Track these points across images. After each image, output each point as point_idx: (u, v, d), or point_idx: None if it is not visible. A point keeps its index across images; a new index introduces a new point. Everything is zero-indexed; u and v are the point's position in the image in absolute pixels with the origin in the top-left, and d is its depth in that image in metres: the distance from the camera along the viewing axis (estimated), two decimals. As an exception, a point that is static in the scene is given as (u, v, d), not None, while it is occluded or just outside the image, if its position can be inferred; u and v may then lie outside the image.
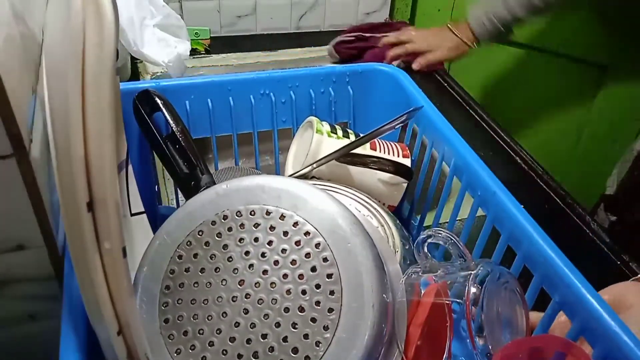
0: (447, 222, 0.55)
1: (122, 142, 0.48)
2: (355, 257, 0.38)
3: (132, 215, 0.49)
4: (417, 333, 0.40)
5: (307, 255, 0.39)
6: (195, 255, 0.40)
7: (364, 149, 0.58)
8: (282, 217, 0.40)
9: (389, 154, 0.59)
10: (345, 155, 0.55)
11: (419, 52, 1.00)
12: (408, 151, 0.60)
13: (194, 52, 1.02)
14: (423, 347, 0.40)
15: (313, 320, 0.37)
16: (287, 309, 0.37)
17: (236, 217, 0.41)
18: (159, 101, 0.52)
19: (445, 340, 0.40)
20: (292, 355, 0.36)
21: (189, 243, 0.41)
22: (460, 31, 0.99)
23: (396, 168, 0.57)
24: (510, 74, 1.24)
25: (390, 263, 0.44)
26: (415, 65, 1.00)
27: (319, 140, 0.57)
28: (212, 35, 1.06)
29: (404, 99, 0.61)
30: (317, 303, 0.37)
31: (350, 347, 0.36)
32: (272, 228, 0.40)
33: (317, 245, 0.39)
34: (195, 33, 1.03)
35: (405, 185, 0.58)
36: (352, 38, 1.04)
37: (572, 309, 0.39)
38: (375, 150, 0.59)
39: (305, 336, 0.37)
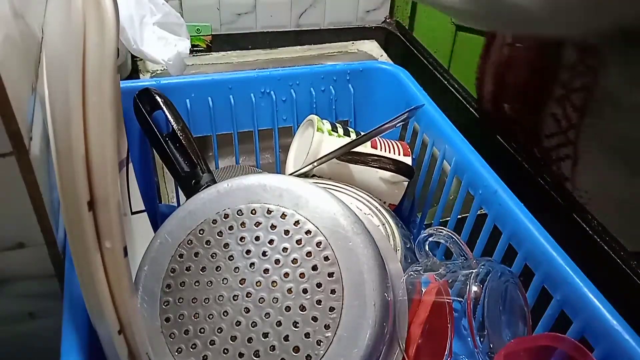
0: (448, 220, 0.55)
1: (123, 140, 0.48)
2: (356, 256, 0.38)
3: (132, 213, 0.49)
4: (418, 332, 0.40)
5: (308, 254, 0.39)
6: (196, 254, 0.40)
7: (365, 148, 0.58)
8: (284, 215, 0.40)
9: (389, 152, 0.59)
10: (346, 154, 0.55)
11: None
12: (409, 149, 0.60)
13: (195, 48, 1.01)
14: (424, 346, 0.40)
15: (314, 319, 0.37)
16: (288, 308, 0.37)
17: (237, 215, 0.41)
18: (159, 99, 0.52)
19: (447, 339, 0.40)
20: (293, 354, 0.36)
21: (189, 242, 0.40)
22: None
23: (397, 166, 0.57)
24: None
25: (391, 262, 0.44)
26: None
27: (319, 138, 0.57)
28: (212, 33, 1.06)
29: (404, 98, 0.61)
30: (318, 302, 0.37)
31: (352, 345, 0.36)
32: (273, 227, 0.40)
33: (319, 244, 0.39)
34: (197, 29, 1.03)
35: (406, 183, 0.58)
36: None
37: (574, 307, 0.39)
38: (376, 148, 0.58)
39: (307, 335, 0.37)
